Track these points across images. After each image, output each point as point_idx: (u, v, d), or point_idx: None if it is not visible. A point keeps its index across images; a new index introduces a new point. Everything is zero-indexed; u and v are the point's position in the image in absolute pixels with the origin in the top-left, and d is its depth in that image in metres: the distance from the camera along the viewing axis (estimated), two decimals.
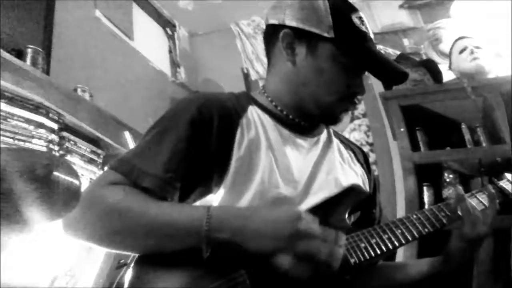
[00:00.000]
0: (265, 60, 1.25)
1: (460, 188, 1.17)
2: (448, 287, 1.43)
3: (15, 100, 1.81)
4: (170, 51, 3.56)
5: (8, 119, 1.78)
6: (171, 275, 0.91)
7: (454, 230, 1.13)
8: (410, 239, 1.05)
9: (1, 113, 1.73)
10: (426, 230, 1.07)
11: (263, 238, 0.86)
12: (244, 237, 0.87)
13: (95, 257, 1.92)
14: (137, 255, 0.98)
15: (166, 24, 3.59)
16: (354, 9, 1.13)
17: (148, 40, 3.35)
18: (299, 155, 1.13)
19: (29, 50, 2.02)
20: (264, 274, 0.87)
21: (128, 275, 0.96)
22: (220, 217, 0.89)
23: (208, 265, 0.88)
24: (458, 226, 1.11)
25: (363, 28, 1.11)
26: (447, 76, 2.49)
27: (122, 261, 1.85)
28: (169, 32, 3.60)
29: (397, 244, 1.03)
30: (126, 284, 0.95)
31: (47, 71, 2.14)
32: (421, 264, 1.22)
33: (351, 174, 1.20)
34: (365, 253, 0.98)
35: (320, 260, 0.84)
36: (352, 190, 1.13)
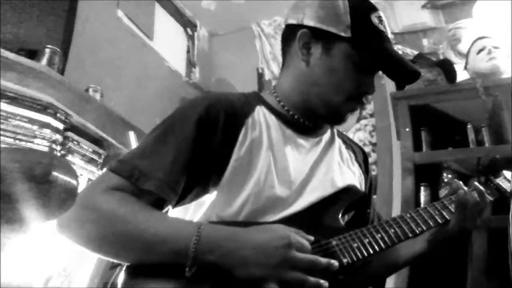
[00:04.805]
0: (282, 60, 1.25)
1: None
2: (443, 287, 1.40)
3: (19, 100, 1.82)
4: (188, 51, 3.55)
5: (10, 119, 1.79)
6: (163, 277, 0.91)
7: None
8: (403, 238, 1.04)
9: (3, 113, 1.74)
10: (420, 229, 1.06)
11: (251, 266, 0.86)
12: (232, 263, 0.87)
13: (89, 257, 1.90)
14: None
15: (187, 24, 3.58)
16: (374, 9, 1.12)
17: (168, 40, 3.34)
18: (299, 155, 1.13)
19: (47, 50, 2.02)
20: None
21: (121, 275, 0.96)
22: (209, 238, 0.89)
23: (199, 270, 0.88)
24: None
25: (381, 27, 1.10)
26: (462, 76, 2.43)
27: None
28: (190, 32, 3.59)
29: (390, 243, 1.01)
30: (119, 285, 0.95)
31: (62, 71, 2.13)
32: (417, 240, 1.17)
33: (348, 175, 1.19)
34: (358, 253, 0.97)
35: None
36: (347, 191, 1.13)
